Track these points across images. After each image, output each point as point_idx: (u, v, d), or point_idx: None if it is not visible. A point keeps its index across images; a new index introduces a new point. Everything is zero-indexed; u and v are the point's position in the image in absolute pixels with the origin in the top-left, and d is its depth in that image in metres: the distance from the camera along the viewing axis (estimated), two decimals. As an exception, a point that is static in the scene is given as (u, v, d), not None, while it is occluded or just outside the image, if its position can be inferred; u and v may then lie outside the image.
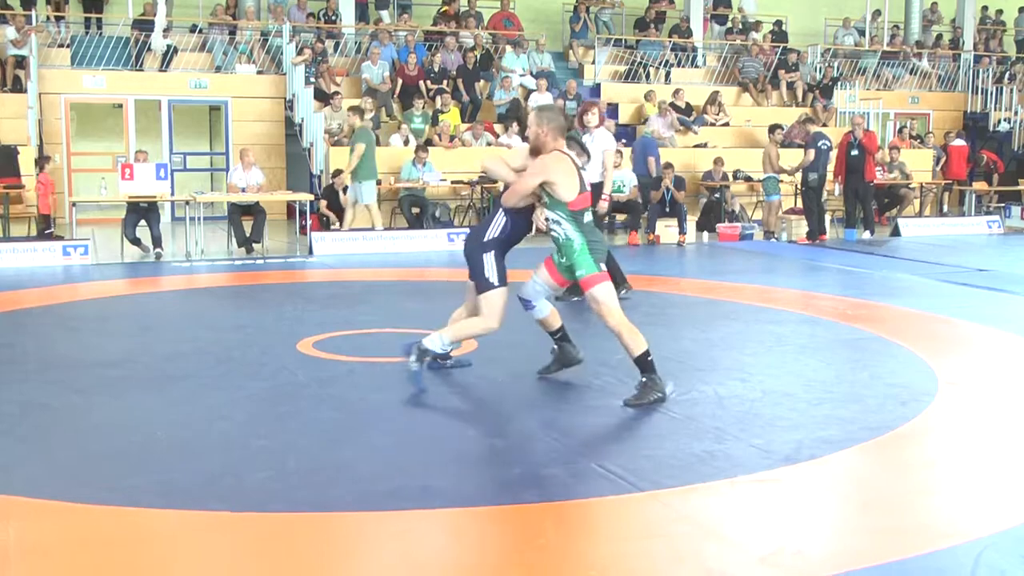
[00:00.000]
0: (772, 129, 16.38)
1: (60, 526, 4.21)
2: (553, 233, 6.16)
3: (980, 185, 19.89)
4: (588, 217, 6.18)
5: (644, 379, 6.02)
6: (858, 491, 4.78)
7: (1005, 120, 22.71)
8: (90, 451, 5.27)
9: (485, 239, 6.29)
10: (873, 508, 4.49)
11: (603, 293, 6.05)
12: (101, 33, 19.29)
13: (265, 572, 3.83)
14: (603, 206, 9.67)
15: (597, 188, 9.56)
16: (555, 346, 6.67)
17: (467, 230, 15.06)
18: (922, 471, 5.04)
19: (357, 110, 15.21)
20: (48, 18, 18.81)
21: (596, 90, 20.39)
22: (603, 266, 6.15)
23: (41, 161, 15.14)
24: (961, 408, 6.11)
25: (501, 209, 6.32)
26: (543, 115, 6.15)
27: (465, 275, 6.48)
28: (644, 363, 6.02)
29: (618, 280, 9.30)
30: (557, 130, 6.10)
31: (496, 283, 6.22)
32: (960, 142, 20.43)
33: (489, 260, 6.23)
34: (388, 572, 3.85)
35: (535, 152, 6.17)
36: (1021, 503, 4.48)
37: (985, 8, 26.04)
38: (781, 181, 16.27)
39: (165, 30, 18.36)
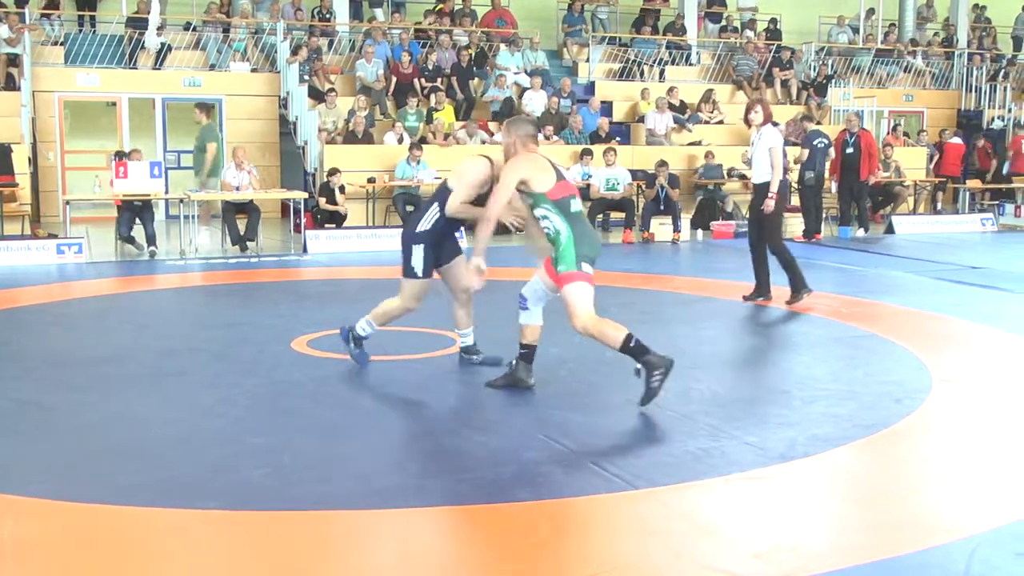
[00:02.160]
0: None
1: (54, 524, 4.21)
2: (546, 230, 6.05)
3: (974, 183, 19.91)
4: (577, 207, 6.01)
5: (639, 365, 5.80)
6: (853, 488, 4.80)
7: (999, 118, 22.74)
8: (85, 449, 5.27)
9: (417, 230, 6.47)
10: (868, 505, 4.50)
11: (574, 294, 5.82)
12: (95, 31, 19.27)
13: (261, 570, 3.84)
14: (769, 204, 9.35)
15: (763, 187, 9.43)
16: (513, 360, 6.42)
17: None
18: (916, 468, 5.05)
19: (204, 107, 15.32)
20: (41, 16, 18.75)
21: (591, 88, 20.39)
22: (586, 266, 5.87)
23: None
24: (955, 405, 6.12)
25: (436, 203, 6.45)
26: (511, 126, 6.23)
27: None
28: (631, 351, 5.79)
29: (798, 284, 9.37)
30: (525, 137, 6.15)
31: (420, 275, 6.47)
32: (956, 140, 20.46)
33: (418, 252, 6.43)
34: (384, 570, 3.85)
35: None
36: (1015, 500, 4.49)
37: (981, 7, 26.03)
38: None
39: (159, 28, 18.32)
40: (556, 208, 5.94)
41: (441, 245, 6.58)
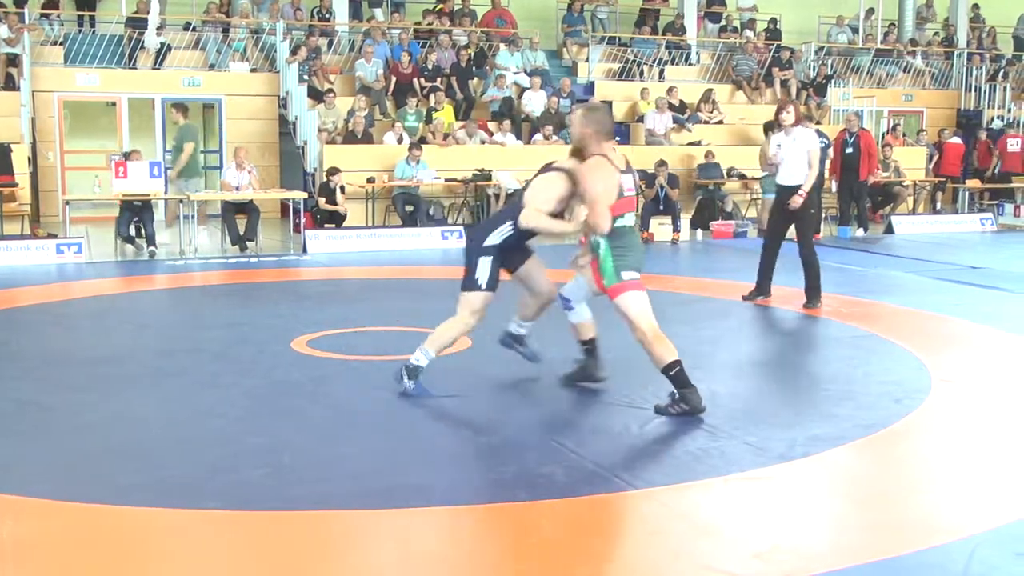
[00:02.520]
0: (767, 128, 16.42)
1: (54, 524, 4.21)
2: (592, 238, 5.94)
3: (973, 183, 19.92)
4: (627, 221, 5.88)
5: (676, 393, 5.79)
6: (852, 488, 4.80)
7: (998, 118, 22.75)
8: (84, 449, 5.27)
9: (485, 244, 6.09)
10: (867, 505, 4.50)
11: (626, 303, 5.77)
12: (94, 31, 19.25)
13: (261, 570, 3.84)
14: (796, 200, 9.13)
15: (794, 190, 9.20)
16: (581, 357, 6.47)
17: (461, 228, 15.13)
18: (916, 468, 5.05)
19: (180, 108, 15.21)
20: (41, 16, 18.75)
21: (590, 88, 20.39)
22: (626, 275, 5.77)
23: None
24: (955, 405, 6.12)
25: (509, 220, 6.09)
26: (589, 116, 5.92)
27: (463, 273, 6.39)
28: (672, 378, 5.76)
29: (815, 294, 9.22)
30: (602, 133, 5.85)
31: (483, 287, 6.05)
32: (956, 140, 20.47)
33: (484, 264, 6.04)
34: (383, 570, 3.85)
35: (577, 153, 5.99)
36: (1014, 500, 4.50)
37: (977, 6, 26.03)
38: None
39: (158, 28, 18.32)
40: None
41: (508, 257, 6.27)
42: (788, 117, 9.35)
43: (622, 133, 19.42)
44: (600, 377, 6.41)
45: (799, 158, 9.23)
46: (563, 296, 6.30)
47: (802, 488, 4.76)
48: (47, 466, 4.97)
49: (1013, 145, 20.47)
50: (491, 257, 6.05)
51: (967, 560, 3.83)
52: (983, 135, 21.25)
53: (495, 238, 6.07)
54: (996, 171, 20.54)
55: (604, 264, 5.79)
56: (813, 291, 9.28)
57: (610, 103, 19.91)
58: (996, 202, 19.50)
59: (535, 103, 18.69)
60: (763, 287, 9.65)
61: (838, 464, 5.04)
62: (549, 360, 6.73)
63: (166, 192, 14.32)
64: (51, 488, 4.57)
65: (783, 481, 4.77)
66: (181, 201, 14.15)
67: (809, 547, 4.01)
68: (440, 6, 20.96)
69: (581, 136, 5.89)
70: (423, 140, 16.96)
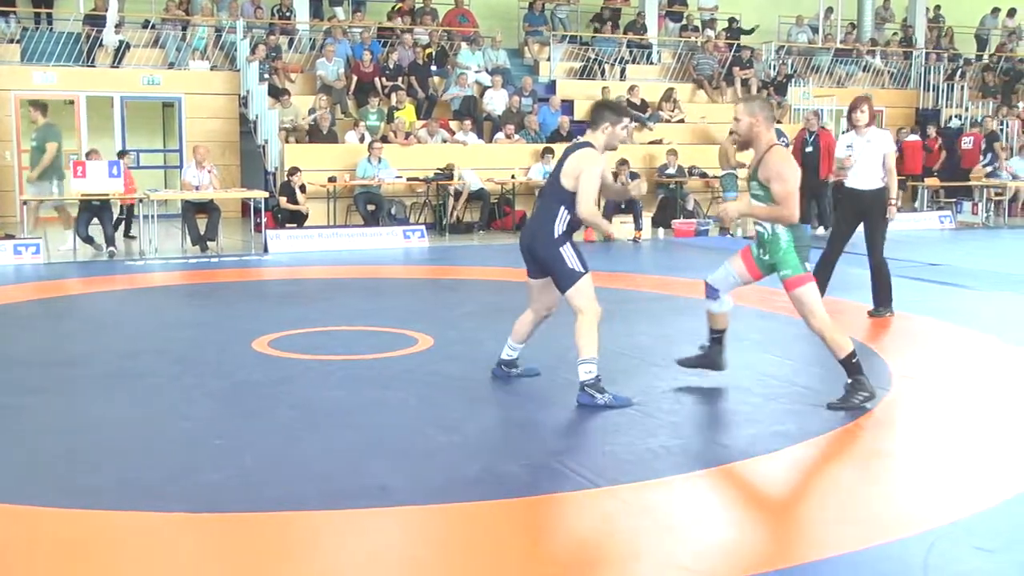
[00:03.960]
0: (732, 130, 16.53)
1: (13, 529, 4.16)
2: (759, 228, 6.02)
3: (932, 181, 20.11)
4: None
5: (851, 380, 5.88)
6: (813, 484, 4.84)
7: (956, 117, 23.00)
8: (44, 452, 5.22)
9: (556, 235, 6.02)
10: (828, 500, 4.54)
11: (808, 295, 5.88)
12: (52, 28, 19.06)
13: (225, 572, 3.81)
14: (892, 211, 8.78)
15: (870, 195, 8.81)
16: (707, 343, 6.50)
17: (422, 228, 15.11)
18: (876, 464, 5.09)
19: (39, 106, 14.19)
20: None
21: (552, 87, 20.43)
22: (808, 266, 5.95)
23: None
24: (915, 401, 6.18)
25: (558, 204, 6.00)
26: (754, 105, 5.94)
27: (425, 273, 6.42)
28: (850, 365, 5.87)
29: (886, 300, 8.94)
30: (770, 120, 5.91)
31: (581, 270, 6.02)
32: (913, 137, 20.66)
33: (568, 252, 6.01)
34: (348, 570, 3.84)
35: (745, 145, 6.02)
36: (973, 494, 4.54)
37: (939, 7, 26.28)
38: (739, 178, 16.36)
39: (117, 26, 18.15)
40: None
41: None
42: (862, 117, 8.82)
43: (583, 132, 19.36)
44: (722, 367, 6.47)
45: (874, 160, 8.78)
46: (710, 285, 6.33)
47: (763, 484, 4.79)
48: (5, 469, 4.91)
49: (967, 143, 20.72)
50: (567, 243, 6.03)
51: (926, 553, 3.86)
52: (933, 132, 21.46)
53: (560, 225, 6.02)
54: (944, 166, 20.77)
55: (787, 255, 5.89)
56: (883, 299, 8.96)
57: (571, 102, 19.98)
58: (954, 200, 19.71)
59: (497, 102, 18.70)
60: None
61: (799, 460, 5.07)
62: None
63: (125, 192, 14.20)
64: (8, 492, 4.51)
65: (745, 478, 4.80)
66: (141, 200, 14.02)
67: (771, 543, 4.04)
68: (399, 4, 20.91)
69: (750, 126, 5.90)
70: (385, 139, 16.92)
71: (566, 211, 6.00)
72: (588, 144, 6.08)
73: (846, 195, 9.19)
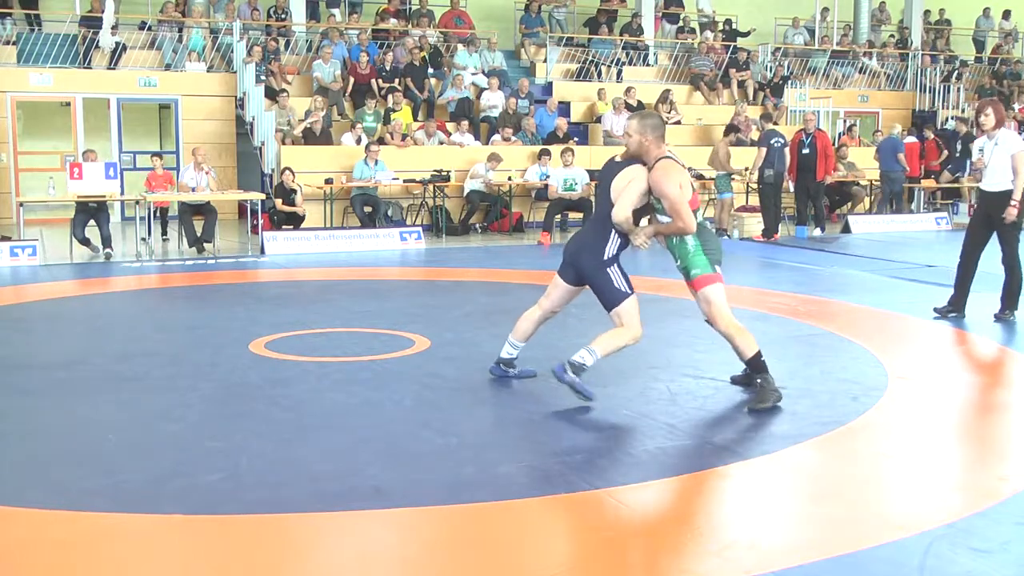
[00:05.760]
0: (728, 131, 16.58)
1: (5, 532, 4.15)
2: (672, 237, 6.10)
3: (928, 183, 20.12)
4: (700, 217, 6.09)
5: (759, 380, 5.99)
6: (810, 485, 4.83)
7: (953, 118, 23.00)
8: (38, 454, 5.20)
9: (606, 257, 6.10)
10: (825, 501, 4.53)
11: (714, 294, 6.01)
12: (40, 29, 19.02)
13: (219, 574, 3.80)
14: (1012, 212, 8.53)
15: (996, 196, 8.64)
16: (758, 380, 6.23)
17: (418, 229, 15.10)
18: (873, 464, 5.09)
19: None
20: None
21: (548, 88, 20.44)
22: (718, 268, 6.06)
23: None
24: (911, 402, 6.18)
25: (612, 225, 6.07)
26: (645, 123, 5.99)
27: (422, 274, 6.43)
28: (756, 364, 6.00)
29: (1014, 302, 8.77)
30: (660, 137, 6.01)
31: (628, 291, 6.11)
32: (911, 139, 20.66)
33: (615, 273, 6.10)
34: (342, 573, 3.83)
35: (636, 158, 6.08)
36: (970, 495, 4.54)
37: (942, 10, 26.30)
38: (733, 179, 16.39)
39: (113, 27, 18.15)
40: None
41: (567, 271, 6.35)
42: (988, 120, 8.68)
43: (580, 134, 19.49)
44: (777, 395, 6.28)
45: (1003, 162, 8.63)
46: None
47: (760, 485, 4.78)
48: (0, 471, 4.90)
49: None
50: (615, 265, 6.13)
51: (923, 555, 3.86)
52: (930, 134, 21.46)
53: (611, 248, 6.11)
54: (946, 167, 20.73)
55: (695, 257, 6.02)
56: (1011, 299, 8.80)
57: (567, 104, 19.99)
58: (951, 201, 19.71)
59: (493, 103, 18.69)
60: (958, 303, 8.94)
61: (795, 461, 5.07)
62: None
63: (122, 193, 14.19)
64: (4, 494, 4.50)
65: (741, 479, 4.80)
66: (137, 202, 13.99)
67: (767, 544, 4.03)
68: (385, 6, 20.90)
69: (639, 143, 5.99)
70: (381, 141, 16.91)
71: (617, 235, 6.11)
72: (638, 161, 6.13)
73: (979, 198, 9.22)
